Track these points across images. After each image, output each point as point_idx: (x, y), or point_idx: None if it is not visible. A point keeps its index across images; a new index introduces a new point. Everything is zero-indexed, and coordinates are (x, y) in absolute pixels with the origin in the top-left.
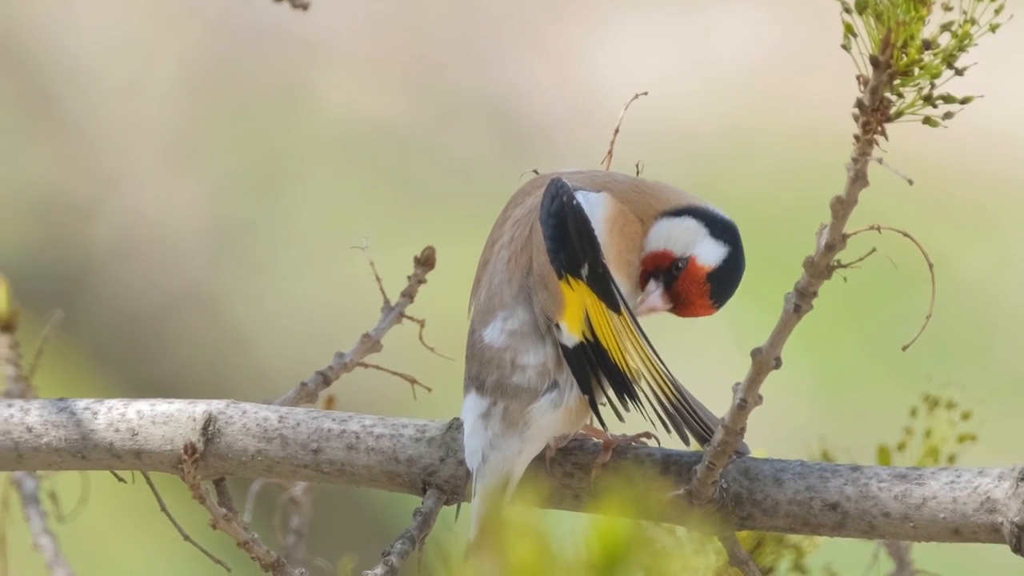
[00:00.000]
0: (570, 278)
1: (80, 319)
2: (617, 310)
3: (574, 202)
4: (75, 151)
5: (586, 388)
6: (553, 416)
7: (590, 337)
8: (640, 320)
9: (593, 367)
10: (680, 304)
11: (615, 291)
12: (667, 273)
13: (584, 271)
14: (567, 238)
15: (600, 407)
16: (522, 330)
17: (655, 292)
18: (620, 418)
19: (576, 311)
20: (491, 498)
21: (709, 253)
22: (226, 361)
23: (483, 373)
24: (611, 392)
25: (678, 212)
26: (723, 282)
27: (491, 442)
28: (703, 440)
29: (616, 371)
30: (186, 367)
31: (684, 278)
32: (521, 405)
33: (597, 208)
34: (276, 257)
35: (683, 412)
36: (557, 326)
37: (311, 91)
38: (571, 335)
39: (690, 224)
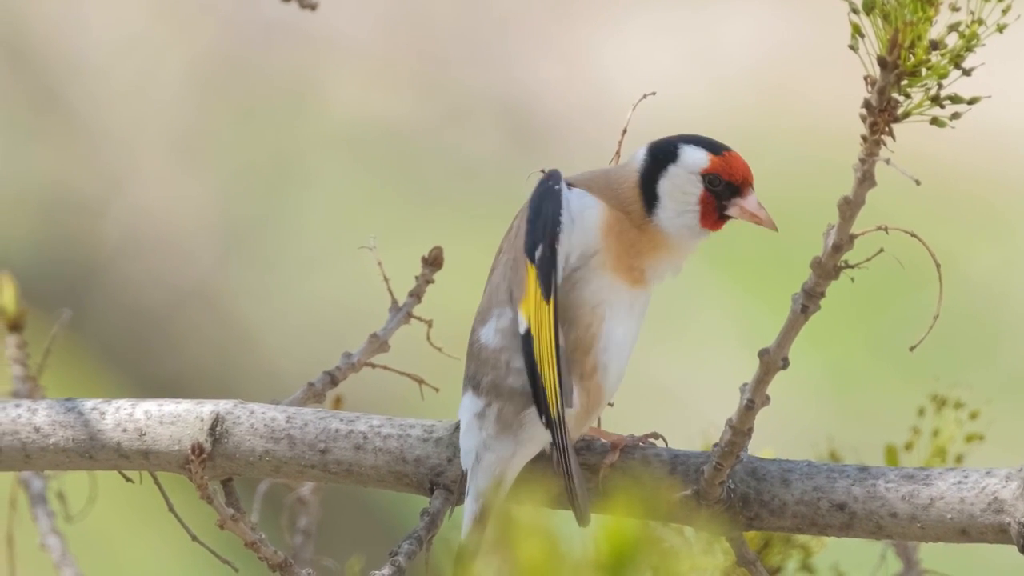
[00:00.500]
0: (528, 261)
1: (88, 318)
2: (547, 298)
3: (556, 187)
4: (83, 150)
5: (532, 381)
6: None
7: (531, 325)
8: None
9: (530, 356)
10: (749, 182)
11: (552, 277)
12: (722, 194)
13: (538, 253)
14: (537, 219)
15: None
16: (512, 329)
17: (742, 202)
18: (546, 423)
19: (530, 295)
20: (484, 499)
21: (693, 157)
22: (233, 360)
23: (479, 373)
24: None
25: (647, 168)
26: (709, 143)
27: (485, 443)
28: (562, 467)
29: (538, 369)
30: (193, 366)
31: (736, 166)
32: (516, 408)
33: (591, 210)
34: (284, 256)
35: (558, 430)
36: (517, 311)
37: (319, 90)
38: (524, 320)
39: (674, 173)
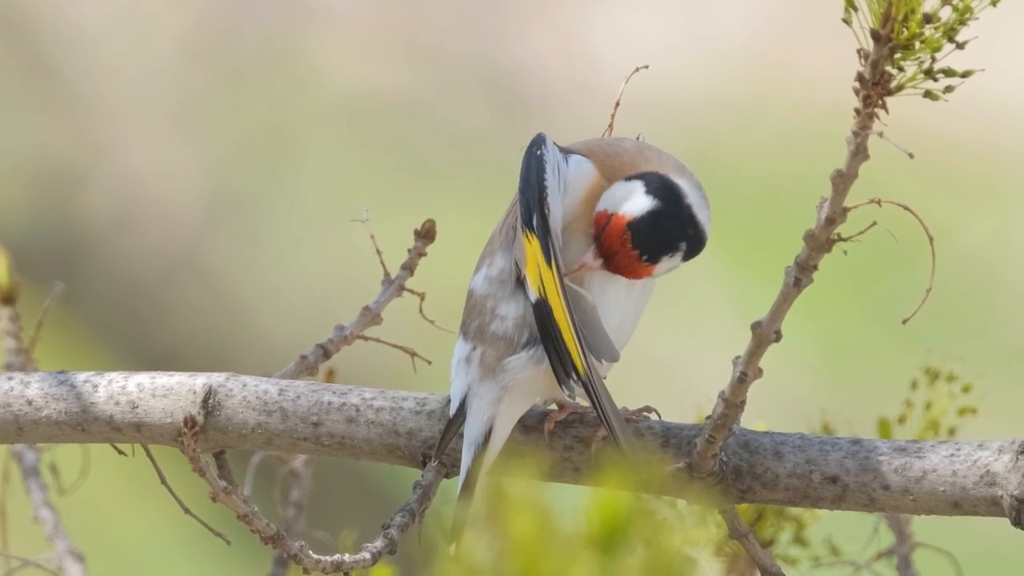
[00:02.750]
0: (527, 229)
1: (81, 290)
2: (549, 264)
3: (538, 152)
4: (75, 121)
5: (546, 348)
6: (534, 372)
7: (542, 293)
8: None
9: (545, 326)
10: (608, 258)
11: (550, 242)
12: (601, 231)
13: (534, 221)
14: (527, 188)
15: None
16: (500, 277)
17: (590, 250)
18: (565, 384)
19: (533, 265)
20: (476, 447)
21: (634, 205)
22: (226, 333)
23: (469, 319)
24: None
25: (633, 176)
26: (645, 231)
27: (471, 387)
28: (603, 422)
29: (558, 332)
30: (186, 338)
31: (607, 231)
32: (498, 353)
33: (584, 177)
34: (277, 228)
35: (591, 388)
36: (524, 279)
37: (311, 60)
38: (532, 290)
39: (634, 186)
